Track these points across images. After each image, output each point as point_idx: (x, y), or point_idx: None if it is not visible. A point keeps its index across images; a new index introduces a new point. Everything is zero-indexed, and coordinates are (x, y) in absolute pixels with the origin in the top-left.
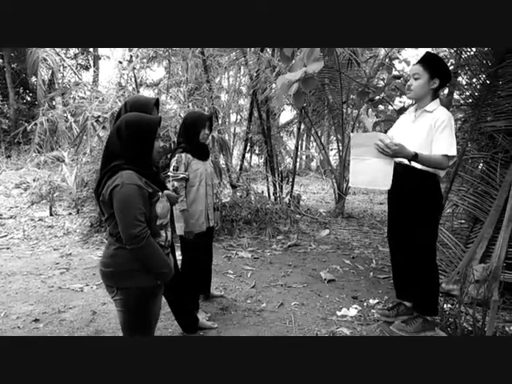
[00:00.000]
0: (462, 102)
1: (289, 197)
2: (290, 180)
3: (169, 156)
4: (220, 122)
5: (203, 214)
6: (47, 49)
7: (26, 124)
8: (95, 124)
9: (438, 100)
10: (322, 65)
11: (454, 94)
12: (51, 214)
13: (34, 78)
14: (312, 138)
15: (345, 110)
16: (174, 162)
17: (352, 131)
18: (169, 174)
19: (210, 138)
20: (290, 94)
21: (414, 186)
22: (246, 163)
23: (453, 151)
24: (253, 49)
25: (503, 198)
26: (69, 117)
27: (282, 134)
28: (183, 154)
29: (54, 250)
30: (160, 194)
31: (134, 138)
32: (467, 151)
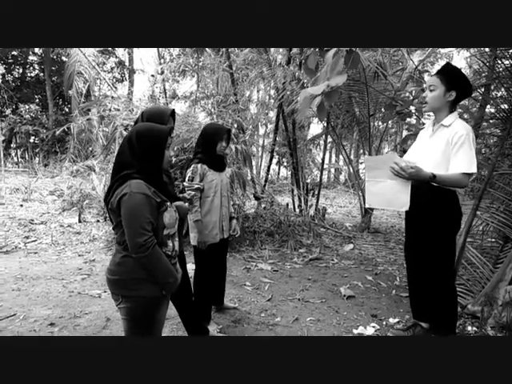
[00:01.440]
0: (492, 115)
1: (313, 209)
2: (316, 193)
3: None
4: (247, 133)
5: (217, 226)
6: (84, 62)
7: (55, 129)
8: (124, 133)
9: (456, 113)
10: (346, 78)
11: (487, 107)
12: (80, 221)
13: (71, 91)
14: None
15: (372, 124)
16: (189, 173)
17: (379, 145)
18: (184, 183)
19: (234, 149)
20: (312, 107)
21: (430, 201)
22: (273, 175)
23: (473, 168)
24: (279, 61)
25: None
26: (102, 127)
27: (310, 147)
28: (199, 165)
29: (79, 255)
30: (168, 203)
31: (144, 148)
32: (497, 167)
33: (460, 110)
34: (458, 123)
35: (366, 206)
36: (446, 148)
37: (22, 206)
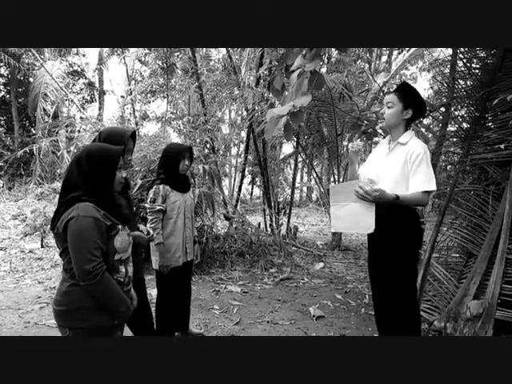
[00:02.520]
0: (453, 134)
1: (285, 228)
2: (287, 211)
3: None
4: (217, 154)
5: (180, 248)
6: (49, 84)
7: (17, 151)
8: None
9: (411, 131)
10: (310, 99)
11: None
12: (42, 246)
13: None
14: (318, 170)
15: (340, 143)
16: (151, 194)
17: (347, 164)
18: (145, 205)
19: (201, 169)
20: (279, 127)
21: (390, 218)
22: (246, 194)
23: (432, 186)
24: (248, 83)
25: (496, 232)
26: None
27: (283, 166)
28: (161, 186)
29: (39, 283)
30: (120, 226)
31: (93, 169)
32: (459, 183)
33: (422, 129)
34: (414, 141)
35: (332, 230)
36: (404, 166)
37: None
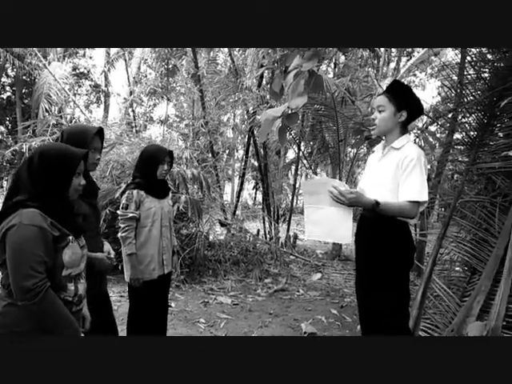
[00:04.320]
0: (458, 141)
1: (284, 236)
2: (287, 218)
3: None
4: (220, 157)
5: (155, 260)
6: (53, 85)
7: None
8: None
9: (408, 136)
10: (306, 100)
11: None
12: None
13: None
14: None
15: (343, 149)
16: (123, 200)
17: (350, 170)
18: (118, 212)
19: (190, 174)
20: (273, 129)
21: (378, 233)
22: (250, 200)
23: (423, 196)
24: (249, 85)
25: (502, 247)
26: None
27: (286, 172)
28: (135, 191)
29: None
30: (71, 238)
31: (45, 171)
32: (464, 194)
33: (426, 135)
34: (409, 146)
35: (306, 237)
36: (396, 172)
37: None
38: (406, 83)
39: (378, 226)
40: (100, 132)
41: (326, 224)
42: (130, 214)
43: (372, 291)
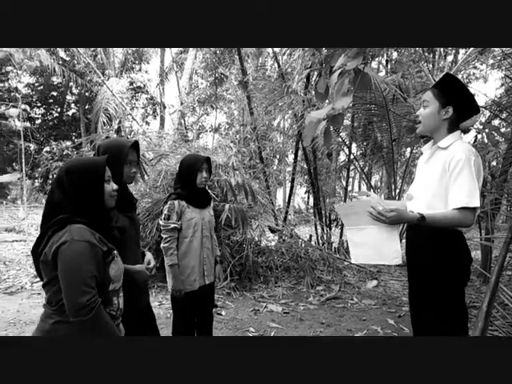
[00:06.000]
0: None
1: (337, 242)
2: (340, 223)
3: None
4: (270, 163)
5: (196, 270)
6: (110, 99)
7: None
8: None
9: (457, 134)
10: (351, 100)
11: None
12: None
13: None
14: (376, 179)
15: (397, 149)
16: (165, 210)
17: (405, 170)
18: (159, 222)
19: (235, 182)
20: (318, 132)
21: (429, 244)
22: (304, 204)
23: (475, 202)
24: (296, 87)
25: None
26: None
27: (339, 175)
28: (176, 201)
29: None
30: (115, 252)
31: (75, 186)
32: None
33: (487, 130)
34: (457, 145)
35: (353, 261)
36: (443, 175)
37: None
38: (459, 77)
39: (428, 237)
40: (135, 145)
41: (371, 245)
42: (172, 225)
43: (425, 309)
